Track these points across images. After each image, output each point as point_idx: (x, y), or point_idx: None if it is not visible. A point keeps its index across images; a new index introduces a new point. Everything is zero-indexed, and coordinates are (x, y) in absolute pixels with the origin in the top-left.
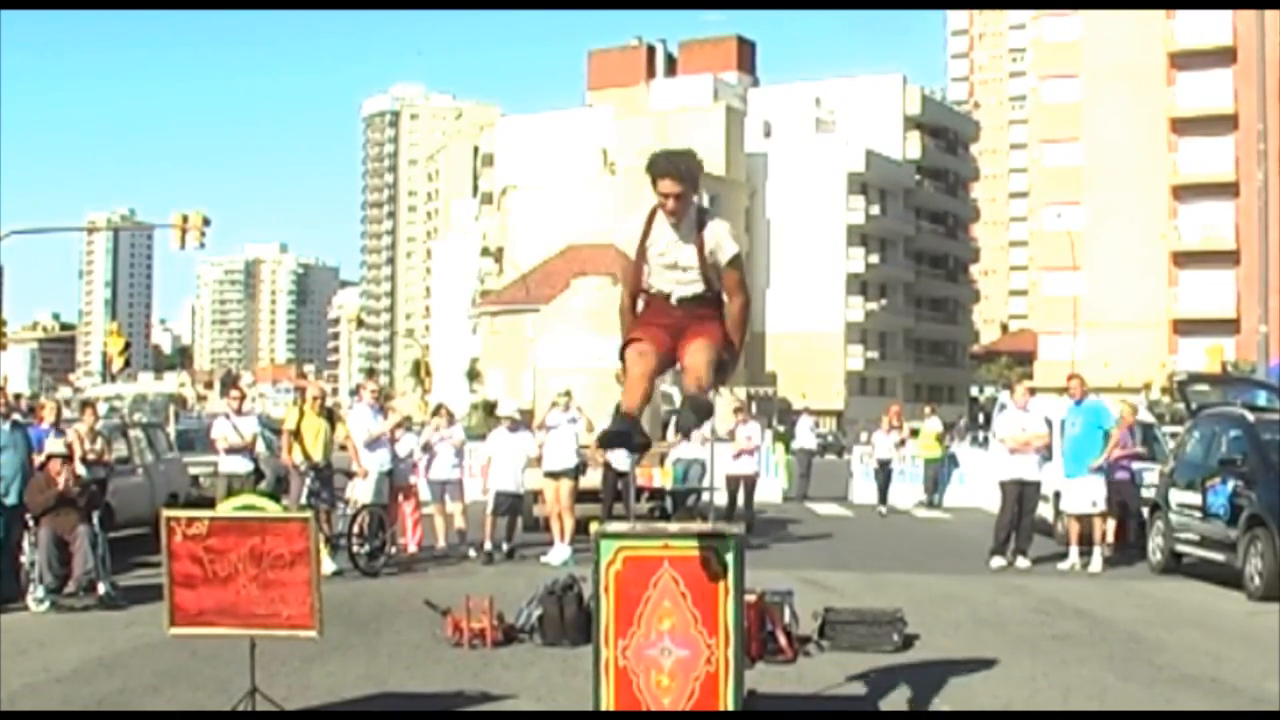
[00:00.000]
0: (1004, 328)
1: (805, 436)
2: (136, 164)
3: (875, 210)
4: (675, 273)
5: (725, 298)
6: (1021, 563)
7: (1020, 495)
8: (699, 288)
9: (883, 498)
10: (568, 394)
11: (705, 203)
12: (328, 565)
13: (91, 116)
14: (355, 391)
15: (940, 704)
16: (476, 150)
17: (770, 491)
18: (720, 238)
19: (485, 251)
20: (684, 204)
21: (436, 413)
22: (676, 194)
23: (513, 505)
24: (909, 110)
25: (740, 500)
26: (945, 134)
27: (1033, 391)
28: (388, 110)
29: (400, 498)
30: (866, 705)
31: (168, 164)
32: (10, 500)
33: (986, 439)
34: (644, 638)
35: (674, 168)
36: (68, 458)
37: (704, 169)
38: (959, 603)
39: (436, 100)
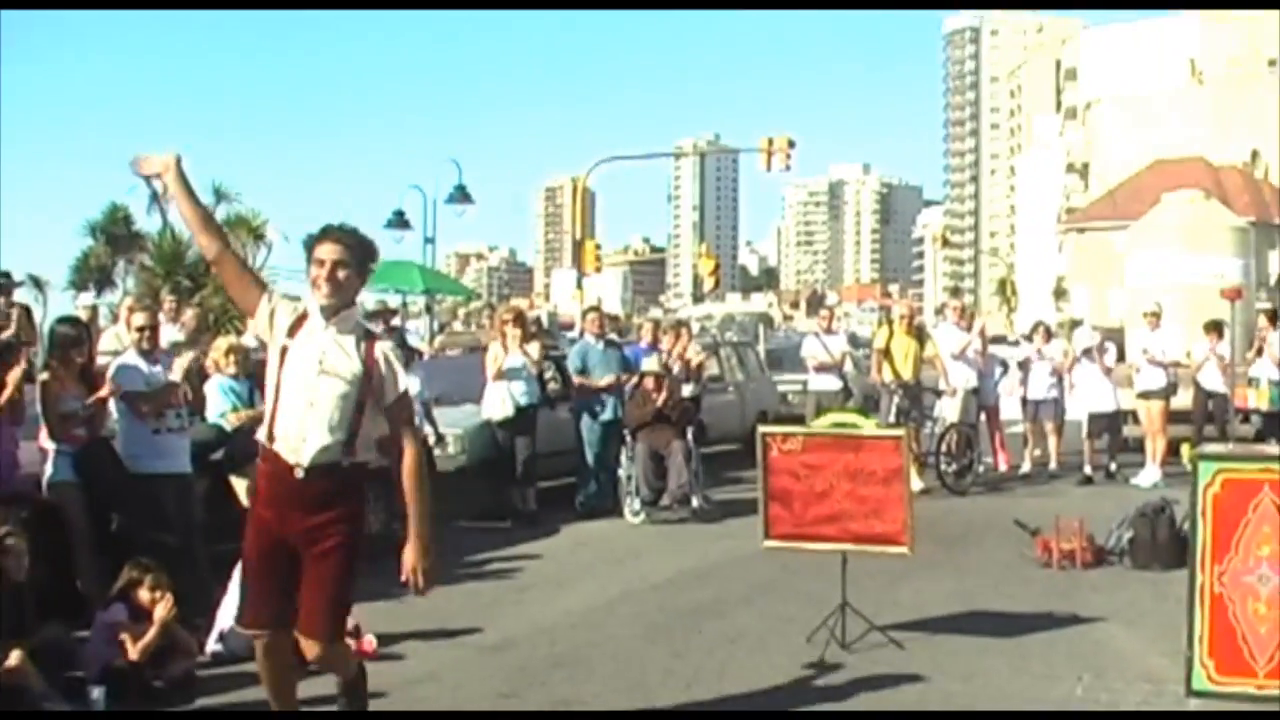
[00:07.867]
0: None
1: None
2: (722, 90)
3: None
4: (324, 380)
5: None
6: None
7: None
8: (341, 438)
9: None
10: (1157, 311)
11: None
12: (915, 483)
13: (680, 45)
14: (940, 310)
15: None
16: (1058, 64)
17: None
18: (393, 362)
19: (1070, 167)
20: (344, 284)
21: (1034, 331)
22: (335, 260)
23: (1109, 425)
24: None
25: None
26: None
27: None
28: (968, 27)
29: (985, 417)
30: None
31: (753, 88)
32: (608, 416)
33: None
34: (1241, 563)
35: (343, 237)
36: (663, 376)
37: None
38: None
39: (1017, 15)
